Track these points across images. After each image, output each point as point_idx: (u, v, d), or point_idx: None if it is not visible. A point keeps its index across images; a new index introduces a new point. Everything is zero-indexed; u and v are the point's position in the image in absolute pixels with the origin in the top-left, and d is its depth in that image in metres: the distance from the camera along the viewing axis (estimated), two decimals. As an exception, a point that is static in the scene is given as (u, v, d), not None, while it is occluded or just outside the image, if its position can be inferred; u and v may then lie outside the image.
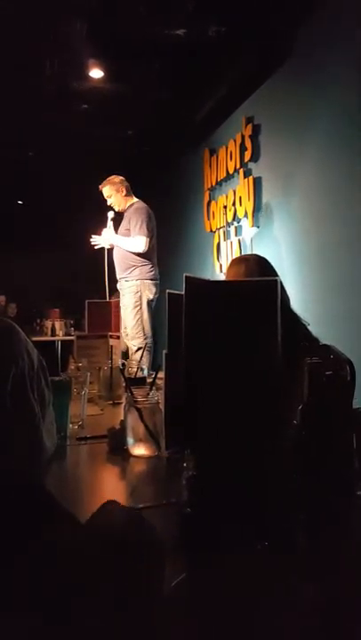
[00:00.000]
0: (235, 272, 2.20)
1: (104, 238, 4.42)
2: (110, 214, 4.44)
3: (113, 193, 4.41)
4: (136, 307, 4.31)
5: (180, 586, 0.72)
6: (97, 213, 4.74)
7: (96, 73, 4.64)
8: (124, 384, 1.74)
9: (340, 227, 3.26)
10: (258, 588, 0.72)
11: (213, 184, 5.28)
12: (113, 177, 4.45)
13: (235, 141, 4.69)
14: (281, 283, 0.89)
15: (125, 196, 4.42)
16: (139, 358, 2.74)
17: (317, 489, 0.84)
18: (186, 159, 6.13)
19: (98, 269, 4.64)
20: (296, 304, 2.15)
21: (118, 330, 2.64)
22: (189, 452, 0.87)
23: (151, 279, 4.33)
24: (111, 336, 2.57)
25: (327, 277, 3.41)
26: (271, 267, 2.20)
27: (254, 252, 4.04)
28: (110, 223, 4.40)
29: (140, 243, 4.21)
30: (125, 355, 3.96)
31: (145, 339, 4.26)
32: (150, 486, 1.28)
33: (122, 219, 4.47)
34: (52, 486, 0.75)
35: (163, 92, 4.94)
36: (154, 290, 4.34)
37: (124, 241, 4.30)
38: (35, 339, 4.50)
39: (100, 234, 4.49)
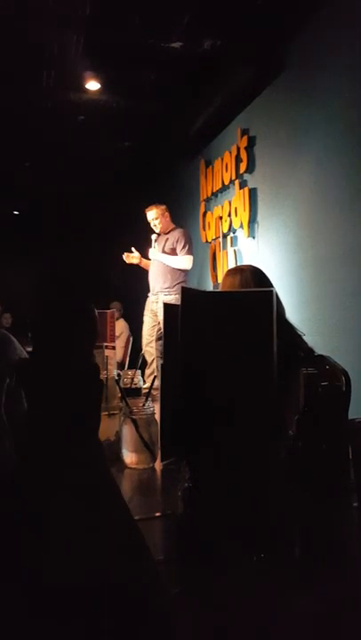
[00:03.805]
0: (230, 283, 2.19)
1: (153, 256, 4.83)
2: (154, 236, 4.88)
3: (160, 217, 4.86)
4: None
5: (175, 598, 0.71)
6: (91, 223, 4.79)
7: (93, 85, 4.67)
8: (119, 395, 1.73)
9: (335, 237, 3.28)
10: (254, 599, 0.72)
11: (209, 195, 5.31)
12: (157, 204, 4.92)
13: (230, 153, 4.72)
14: (276, 293, 0.89)
15: (169, 220, 4.93)
16: None
17: (313, 500, 0.84)
18: (182, 170, 6.16)
19: (94, 280, 4.71)
20: (292, 315, 2.15)
21: (113, 340, 2.64)
22: (185, 463, 0.87)
23: None
24: (107, 346, 2.56)
25: (323, 288, 3.42)
26: (266, 277, 2.20)
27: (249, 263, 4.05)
28: (154, 243, 4.86)
29: (187, 261, 4.77)
30: (121, 365, 4.01)
31: None
32: (146, 498, 1.27)
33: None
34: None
35: (159, 103, 4.98)
36: None
37: (172, 259, 4.78)
38: (29, 349, 4.52)
39: (96, 248, 4.81)
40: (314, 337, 2.12)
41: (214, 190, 5.17)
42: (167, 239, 4.85)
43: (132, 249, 5.05)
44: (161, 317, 4.59)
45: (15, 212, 8.17)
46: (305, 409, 0.92)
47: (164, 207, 4.92)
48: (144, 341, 4.84)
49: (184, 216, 6.03)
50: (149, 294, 4.93)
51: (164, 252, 4.81)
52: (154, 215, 4.87)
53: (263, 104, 4.27)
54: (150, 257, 4.86)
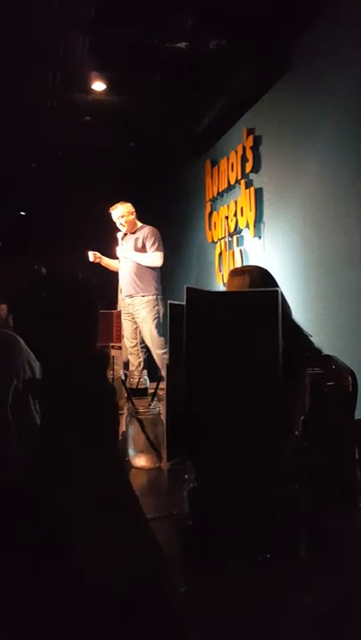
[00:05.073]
0: (236, 283, 2.20)
1: (121, 254, 4.74)
2: (120, 234, 4.78)
3: (126, 215, 4.77)
4: (155, 319, 4.64)
5: (181, 598, 0.71)
6: (99, 224, 4.80)
7: (98, 85, 4.68)
8: (125, 395, 1.73)
9: (341, 237, 3.26)
10: (259, 600, 0.72)
11: (215, 195, 5.30)
12: (123, 202, 4.81)
13: (236, 152, 4.71)
14: (282, 293, 0.89)
15: (135, 219, 4.83)
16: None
17: (319, 500, 0.84)
18: (187, 170, 6.16)
19: (101, 281, 4.72)
20: (298, 315, 2.14)
21: (120, 340, 2.65)
22: (191, 463, 0.87)
23: (161, 294, 4.72)
24: (113, 347, 2.57)
25: (329, 288, 3.41)
26: (272, 278, 2.20)
27: (255, 263, 4.05)
28: (121, 242, 4.75)
29: (158, 257, 4.66)
30: (127, 365, 4.02)
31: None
32: (151, 498, 1.27)
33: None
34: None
35: (164, 104, 4.98)
36: (162, 303, 4.68)
37: (142, 256, 4.67)
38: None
39: (98, 250, 4.78)
40: (320, 337, 2.12)
41: (220, 190, 5.16)
42: (136, 238, 4.75)
43: (90, 252, 4.93)
44: (139, 319, 4.62)
45: (22, 213, 8.19)
46: (311, 409, 0.92)
47: (129, 205, 4.83)
48: (128, 344, 4.75)
49: (190, 216, 6.03)
50: (122, 296, 4.81)
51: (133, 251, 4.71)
52: (120, 213, 4.78)
53: (269, 103, 4.27)
54: (118, 255, 4.75)
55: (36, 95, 4.73)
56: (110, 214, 4.85)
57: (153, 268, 4.68)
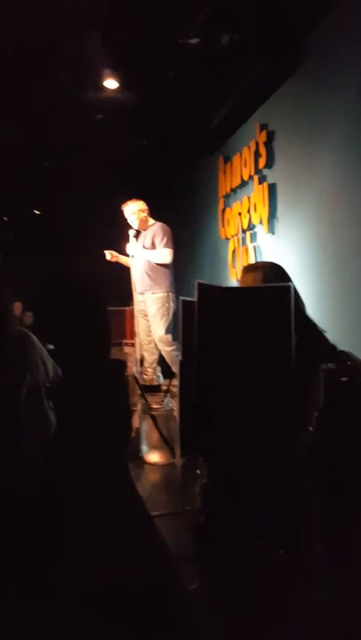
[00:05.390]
0: (250, 279, 2.18)
1: (131, 252, 4.69)
2: (132, 231, 4.74)
3: (137, 212, 4.73)
4: (164, 316, 4.57)
5: (194, 593, 0.71)
6: (113, 222, 4.81)
7: (110, 83, 4.68)
8: (138, 391, 1.74)
9: (355, 232, 3.24)
10: (272, 595, 0.71)
11: (228, 191, 5.28)
12: (135, 199, 4.79)
13: (249, 148, 4.69)
14: (295, 289, 0.88)
15: (147, 216, 4.79)
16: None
17: (333, 496, 0.83)
18: (200, 167, 6.14)
19: (114, 278, 4.71)
20: (312, 311, 2.13)
21: (133, 338, 2.65)
22: (203, 459, 0.87)
23: (173, 291, 4.66)
24: (126, 344, 2.57)
25: (344, 283, 3.38)
26: (286, 274, 2.18)
27: (269, 259, 4.03)
28: (133, 239, 4.70)
29: (167, 254, 4.60)
30: (140, 362, 4.03)
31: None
32: (165, 494, 1.28)
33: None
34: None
35: (177, 100, 4.97)
36: (174, 300, 4.64)
37: (151, 253, 4.63)
38: (50, 347, 4.58)
39: (114, 248, 4.79)
40: (335, 333, 2.10)
41: (233, 186, 5.14)
42: (146, 235, 4.74)
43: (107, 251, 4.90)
44: (149, 315, 4.62)
45: (36, 212, 8.23)
46: (325, 405, 0.91)
47: (142, 202, 4.80)
48: (143, 341, 4.79)
49: (203, 213, 6.02)
50: (135, 293, 4.78)
51: (144, 248, 4.69)
52: (131, 210, 4.75)
53: (282, 99, 4.24)
54: (128, 252, 4.73)
55: (49, 94, 4.75)
56: (123, 211, 4.85)
57: (164, 265, 4.65)
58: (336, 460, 0.87)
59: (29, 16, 3.63)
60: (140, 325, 4.73)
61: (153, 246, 4.65)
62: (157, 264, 4.62)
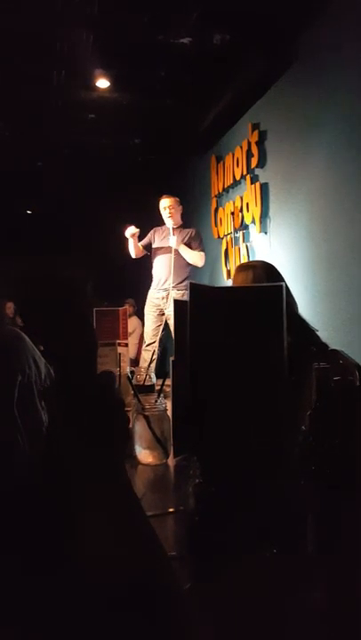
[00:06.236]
0: (242, 279, 2.19)
1: (174, 244, 4.74)
2: (170, 227, 4.81)
3: (174, 206, 4.85)
4: None
5: (187, 594, 0.71)
6: (104, 222, 4.80)
7: (102, 83, 4.67)
8: (132, 391, 1.73)
9: (347, 231, 3.25)
10: (266, 595, 0.71)
11: (220, 191, 5.29)
12: (168, 195, 4.90)
13: (241, 148, 4.70)
14: (287, 288, 0.88)
15: (180, 213, 4.94)
16: None
17: (326, 495, 0.83)
18: (192, 166, 6.14)
19: (105, 278, 4.70)
20: (305, 310, 2.13)
21: (126, 337, 2.64)
22: (197, 459, 0.87)
23: None
24: (119, 344, 2.57)
25: (336, 282, 3.39)
26: (278, 272, 2.19)
27: (261, 259, 4.04)
28: (173, 234, 4.77)
29: (202, 258, 4.81)
30: (134, 362, 4.01)
31: None
32: (158, 494, 1.27)
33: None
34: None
35: (169, 100, 4.96)
36: None
37: (191, 253, 4.77)
38: (40, 348, 4.55)
39: (103, 248, 4.83)
40: (328, 332, 2.11)
41: (225, 186, 5.15)
42: (183, 233, 4.83)
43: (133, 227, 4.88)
44: (168, 314, 4.58)
45: (28, 212, 8.22)
46: (317, 404, 0.91)
47: (178, 199, 4.91)
48: (147, 340, 4.76)
49: (196, 212, 6.02)
50: (154, 288, 4.82)
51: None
52: (168, 203, 4.83)
53: (274, 98, 4.25)
54: (170, 245, 4.76)
55: (41, 93, 4.73)
56: (116, 214, 4.87)
57: (191, 266, 4.78)
58: (329, 459, 0.88)
59: (21, 16, 3.61)
60: (148, 323, 4.75)
61: (187, 246, 4.78)
62: (187, 264, 4.74)
